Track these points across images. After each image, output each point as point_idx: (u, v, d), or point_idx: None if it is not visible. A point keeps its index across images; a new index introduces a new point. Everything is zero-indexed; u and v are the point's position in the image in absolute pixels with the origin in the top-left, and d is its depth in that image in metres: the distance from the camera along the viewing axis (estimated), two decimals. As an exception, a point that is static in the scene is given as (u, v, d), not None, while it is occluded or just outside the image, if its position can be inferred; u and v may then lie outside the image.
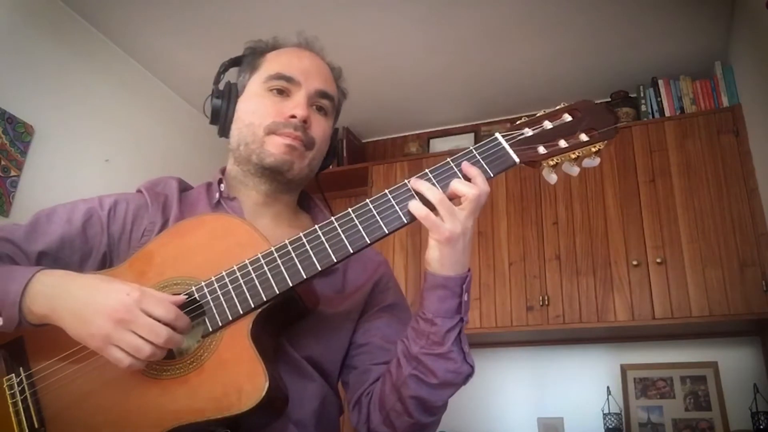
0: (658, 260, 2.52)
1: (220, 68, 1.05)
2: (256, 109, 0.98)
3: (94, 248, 0.92)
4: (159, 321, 0.75)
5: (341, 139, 3.41)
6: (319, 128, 0.99)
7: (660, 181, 2.65)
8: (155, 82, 3.08)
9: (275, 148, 0.95)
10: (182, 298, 0.79)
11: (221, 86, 1.04)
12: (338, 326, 0.95)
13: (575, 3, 2.52)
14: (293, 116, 0.95)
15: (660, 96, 2.86)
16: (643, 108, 2.89)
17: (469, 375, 0.85)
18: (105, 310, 0.75)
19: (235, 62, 1.07)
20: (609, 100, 2.99)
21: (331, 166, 3.90)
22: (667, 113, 2.81)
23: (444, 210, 0.78)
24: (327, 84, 1.02)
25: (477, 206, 0.79)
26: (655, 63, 2.86)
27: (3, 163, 2.25)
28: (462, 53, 2.86)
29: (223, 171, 1.05)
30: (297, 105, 0.96)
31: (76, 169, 2.56)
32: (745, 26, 2.46)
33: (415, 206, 0.79)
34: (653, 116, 2.84)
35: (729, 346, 2.64)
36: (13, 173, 2.28)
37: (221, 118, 1.02)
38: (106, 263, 0.92)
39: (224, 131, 1.03)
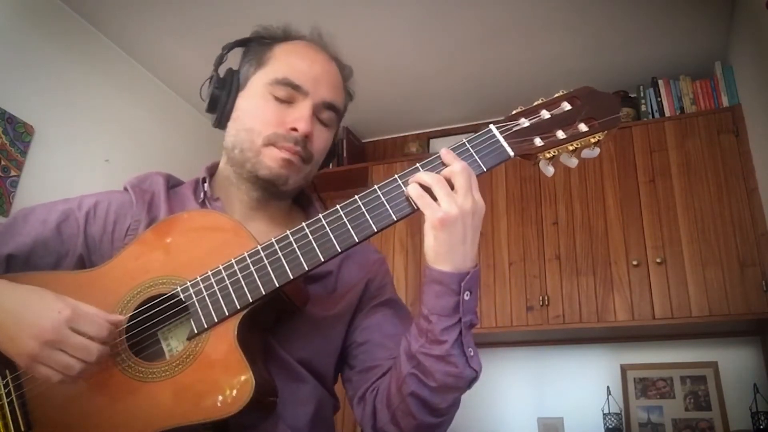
0: (658, 260, 2.52)
1: (223, 49, 0.99)
2: (257, 114, 0.92)
3: (70, 250, 0.89)
4: (91, 339, 0.73)
5: (341, 139, 3.41)
6: (320, 141, 0.94)
7: (660, 181, 2.64)
8: (155, 82, 3.08)
9: (272, 161, 0.90)
10: (119, 318, 0.77)
11: (223, 71, 0.97)
12: (331, 328, 0.93)
13: (575, 3, 2.51)
14: (295, 129, 0.90)
15: (660, 96, 2.85)
16: (643, 108, 2.88)
17: (473, 380, 0.80)
18: (32, 330, 0.72)
19: (241, 44, 1.00)
20: (609, 100, 2.99)
21: (330, 166, 3.84)
22: (667, 113, 2.80)
23: (440, 190, 0.76)
24: (336, 94, 0.96)
25: (467, 180, 0.76)
26: (655, 63, 2.85)
27: (3, 163, 2.25)
28: (462, 53, 2.85)
29: (209, 169, 1.01)
30: (300, 118, 0.90)
31: (76, 169, 2.56)
32: (745, 26, 2.45)
33: (413, 189, 0.77)
34: (653, 116, 2.84)
35: (729, 346, 2.64)
36: (13, 173, 2.28)
37: (219, 110, 0.96)
38: (84, 265, 0.89)
39: (221, 124, 0.97)
